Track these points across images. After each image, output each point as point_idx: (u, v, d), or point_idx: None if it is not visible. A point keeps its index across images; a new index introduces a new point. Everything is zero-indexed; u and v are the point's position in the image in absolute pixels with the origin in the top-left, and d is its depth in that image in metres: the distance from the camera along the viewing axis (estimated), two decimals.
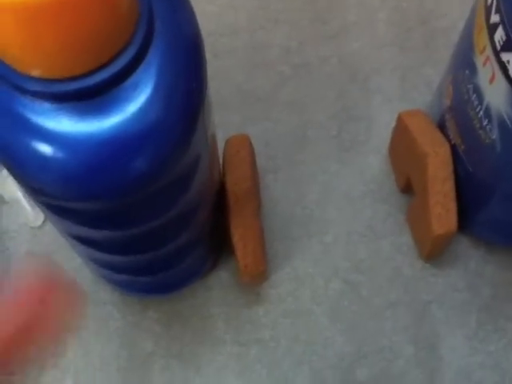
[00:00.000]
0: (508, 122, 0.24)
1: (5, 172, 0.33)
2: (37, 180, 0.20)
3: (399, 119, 0.31)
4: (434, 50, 0.35)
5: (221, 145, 0.29)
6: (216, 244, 0.31)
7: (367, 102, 0.34)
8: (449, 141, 0.29)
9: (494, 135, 0.25)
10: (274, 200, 0.33)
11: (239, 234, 0.28)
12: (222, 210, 0.29)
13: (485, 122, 0.25)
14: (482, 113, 0.25)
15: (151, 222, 0.22)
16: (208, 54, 0.21)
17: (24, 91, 0.18)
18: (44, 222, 0.33)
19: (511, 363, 0.31)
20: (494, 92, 0.24)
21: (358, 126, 0.34)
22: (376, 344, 0.31)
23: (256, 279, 0.30)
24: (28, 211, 0.32)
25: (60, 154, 0.19)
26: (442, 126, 0.30)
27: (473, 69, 0.25)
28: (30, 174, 0.20)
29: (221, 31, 0.35)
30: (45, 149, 0.19)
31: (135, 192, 0.20)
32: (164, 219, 0.23)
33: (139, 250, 0.25)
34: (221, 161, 0.29)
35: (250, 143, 0.30)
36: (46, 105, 0.18)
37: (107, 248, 0.24)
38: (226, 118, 0.34)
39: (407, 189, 0.32)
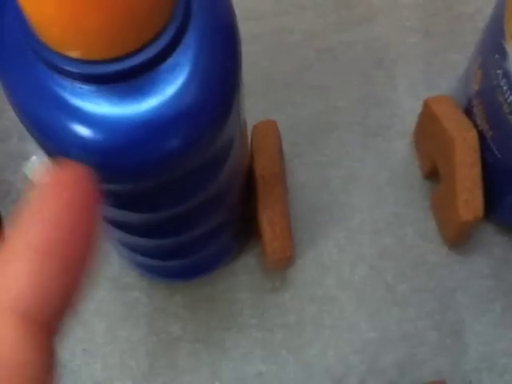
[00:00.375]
0: None
1: (34, 157, 0.33)
2: (74, 161, 0.20)
3: (426, 105, 0.31)
4: (460, 35, 0.35)
5: (247, 130, 0.29)
6: (243, 229, 0.31)
7: (392, 87, 0.34)
8: (476, 127, 0.29)
9: None
10: (299, 185, 0.33)
11: (267, 219, 0.28)
12: (250, 195, 0.29)
13: None
14: (511, 98, 0.25)
15: (183, 204, 0.23)
16: None
17: (63, 73, 0.18)
18: None
19: None
20: None
21: (382, 112, 0.34)
22: (401, 330, 0.31)
23: (282, 264, 0.31)
24: None
25: (98, 136, 0.19)
26: (468, 112, 0.30)
27: (503, 54, 0.25)
28: (67, 156, 0.20)
29: (245, 16, 0.35)
30: (83, 131, 0.19)
31: (171, 174, 0.20)
32: (195, 202, 0.23)
33: (170, 234, 0.25)
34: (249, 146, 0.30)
35: (277, 129, 0.30)
36: (85, 87, 0.19)
37: (139, 231, 0.25)
38: (250, 103, 0.33)
39: (431, 175, 0.32)
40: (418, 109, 0.32)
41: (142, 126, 0.19)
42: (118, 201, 0.22)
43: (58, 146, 0.20)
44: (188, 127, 0.20)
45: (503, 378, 0.31)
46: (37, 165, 0.33)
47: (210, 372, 0.31)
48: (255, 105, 0.34)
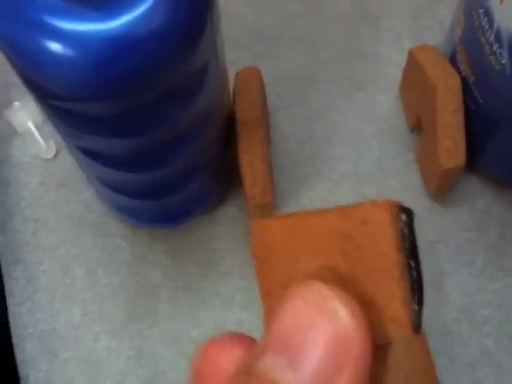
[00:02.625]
0: None
1: (17, 104, 0.33)
2: (47, 78, 0.20)
3: (410, 54, 0.31)
4: None
5: (231, 81, 0.29)
6: (224, 175, 0.31)
7: (378, 41, 0.34)
8: (459, 73, 0.29)
9: (504, 59, 0.25)
10: (283, 137, 0.33)
11: (247, 162, 0.28)
12: (232, 143, 0.29)
13: (495, 47, 0.25)
14: (492, 37, 0.25)
15: (160, 130, 0.23)
16: None
17: None
18: (56, 154, 0.33)
19: None
20: (504, 12, 0.24)
21: (368, 65, 0.34)
22: None
23: (263, 211, 0.31)
24: (40, 143, 0.33)
25: (70, 51, 0.19)
26: (452, 61, 0.30)
27: None
28: (40, 73, 0.20)
29: None
30: (55, 46, 0.19)
31: (142, 93, 0.20)
32: (171, 132, 0.23)
33: (148, 166, 0.25)
34: (231, 93, 0.29)
35: (260, 75, 0.30)
36: (57, 1, 0.19)
37: (116, 163, 0.24)
38: (236, 55, 0.33)
39: (417, 127, 0.32)
40: (404, 62, 0.32)
41: (113, 42, 0.19)
42: (92, 125, 0.22)
43: (29, 62, 0.20)
44: (160, 45, 0.19)
45: (482, 330, 0.31)
46: (19, 111, 0.33)
47: (189, 319, 0.31)
48: (240, 56, 0.34)
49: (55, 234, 0.32)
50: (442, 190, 0.31)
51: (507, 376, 0.30)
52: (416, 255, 0.13)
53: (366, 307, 0.13)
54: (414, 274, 0.13)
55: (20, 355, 0.31)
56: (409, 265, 0.13)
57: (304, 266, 0.13)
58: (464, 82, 0.28)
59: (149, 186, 0.27)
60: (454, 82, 0.28)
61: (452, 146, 0.28)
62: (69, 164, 0.33)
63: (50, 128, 0.33)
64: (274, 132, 0.33)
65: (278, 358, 0.12)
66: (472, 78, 0.28)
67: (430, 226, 0.32)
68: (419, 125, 0.32)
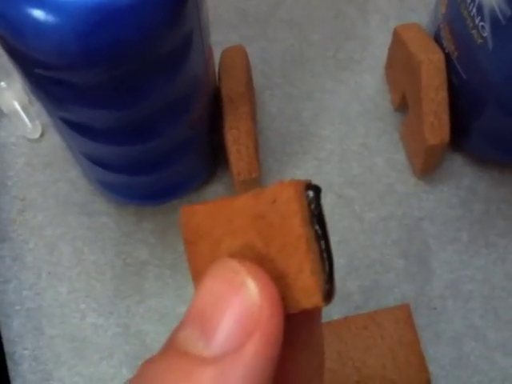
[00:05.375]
0: (499, 15, 0.24)
1: (2, 84, 0.33)
2: (31, 46, 0.20)
3: (395, 32, 0.31)
4: None
5: (218, 61, 0.29)
6: (211, 154, 0.31)
7: (365, 22, 0.35)
8: (443, 50, 0.29)
9: (486, 32, 0.25)
10: (270, 116, 0.33)
11: (233, 137, 0.28)
12: (219, 122, 0.29)
13: (477, 21, 0.25)
14: (474, 10, 0.25)
15: (145, 102, 0.23)
16: None
17: None
18: (42, 134, 0.33)
19: (500, 277, 0.31)
20: None
21: (354, 46, 0.34)
22: (367, 257, 0.31)
23: (249, 188, 0.31)
24: (26, 123, 0.33)
25: (53, 19, 0.19)
26: (437, 38, 0.30)
27: None
28: (24, 40, 0.20)
29: None
30: (38, 13, 0.19)
31: (125, 61, 0.20)
32: (158, 103, 0.23)
33: (135, 140, 0.25)
34: (217, 71, 0.30)
35: (246, 53, 0.30)
36: None
37: (102, 136, 0.24)
38: (223, 36, 0.34)
39: (402, 106, 0.33)
40: (390, 43, 0.32)
41: (97, 10, 0.19)
42: (77, 95, 0.22)
43: (15, 32, 0.20)
44: (143, 12, 0.19)
45: (467, 305, 0.31)
46: (5, 91, 0.33)
47: (175, 296, 0.31)
48: (228, 37, 0.34)
49: (41, 213, 0.32)
50: (427, 167, 0.31)
51: (492, 350, 0.30)
52: (324, 228, 0.14)
53: (280, 280, 0.13)
54: (323, 245, 0.14)
55: (6, 333, 0.31)
56: (317, 237, 0.14)
57: (226, 246, 0.14)
58: (448, 58, 0.29)
59: (136, 161, 0.27)
60: (438, 57, 0.28)
61: (436, 122, 0.29)
62: (55, 144, 0.33)
63: (35, 108, 0.33)
64: (262, 112, 0.33)
65: (193, 331, 0.13)
66: (455, 54, 0.28)
67: (416, 203, 0.32)
68: (404, 103, 0.32)
